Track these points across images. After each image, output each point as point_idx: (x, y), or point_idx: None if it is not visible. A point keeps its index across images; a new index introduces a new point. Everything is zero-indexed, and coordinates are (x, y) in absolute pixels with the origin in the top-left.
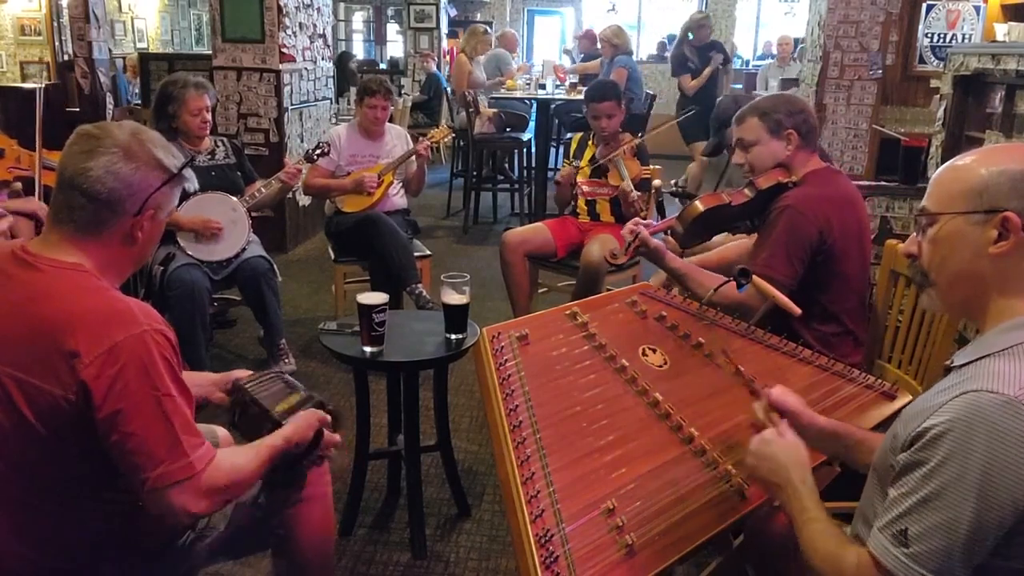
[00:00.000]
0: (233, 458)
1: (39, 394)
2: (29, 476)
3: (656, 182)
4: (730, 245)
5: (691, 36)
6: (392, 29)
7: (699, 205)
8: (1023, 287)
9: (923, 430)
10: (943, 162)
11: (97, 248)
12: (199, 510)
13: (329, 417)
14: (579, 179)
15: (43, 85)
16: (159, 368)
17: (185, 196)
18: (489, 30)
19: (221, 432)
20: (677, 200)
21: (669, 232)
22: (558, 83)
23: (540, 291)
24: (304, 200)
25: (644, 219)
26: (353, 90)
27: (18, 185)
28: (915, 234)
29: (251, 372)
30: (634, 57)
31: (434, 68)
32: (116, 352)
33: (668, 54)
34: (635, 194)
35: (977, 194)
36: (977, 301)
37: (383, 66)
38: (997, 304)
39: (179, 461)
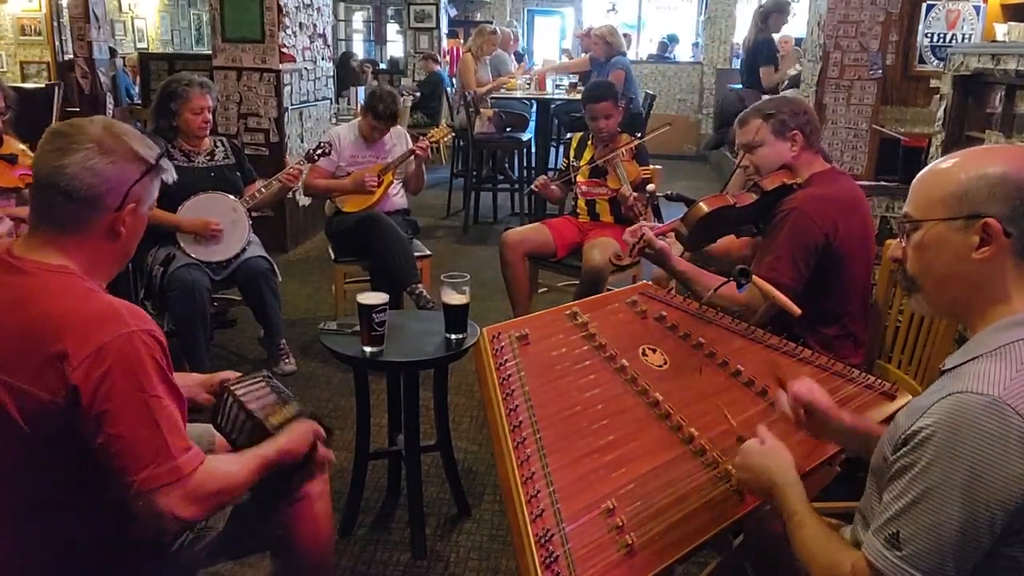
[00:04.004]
0: (226, 465)
1: (28, 398)
2: (21, 481)
3: (651, 186)
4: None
5: (770, 22)
6: (392, 29)
7: (704, 206)
8: (1010, 288)
9: (912, 432)
10: None
11: (80, 247)
12: (187, 515)
13: (324, 432)
14: (579, 179)
15: (54, 83)
16: (147, 369)
17: (186, 196)
18: (497, 30)
19: (218, 438)
20: (672, 204)
21: (673, 235)
22: (558, 83)
23: (540, 291)
24: (304, 200)
25: (644, 222)
26: (353, 90)
27: (28, 193)
28: (899, 239)
29: (239, 374)
30: (634, 57)
31: (436, 68)
32: (103, 353)
33: (740, 50)
34: (632, 197)
35: (957, 199)
36: (965, 304)
37: (383, 66)
38: (985, 306)
39: (166, 464)
